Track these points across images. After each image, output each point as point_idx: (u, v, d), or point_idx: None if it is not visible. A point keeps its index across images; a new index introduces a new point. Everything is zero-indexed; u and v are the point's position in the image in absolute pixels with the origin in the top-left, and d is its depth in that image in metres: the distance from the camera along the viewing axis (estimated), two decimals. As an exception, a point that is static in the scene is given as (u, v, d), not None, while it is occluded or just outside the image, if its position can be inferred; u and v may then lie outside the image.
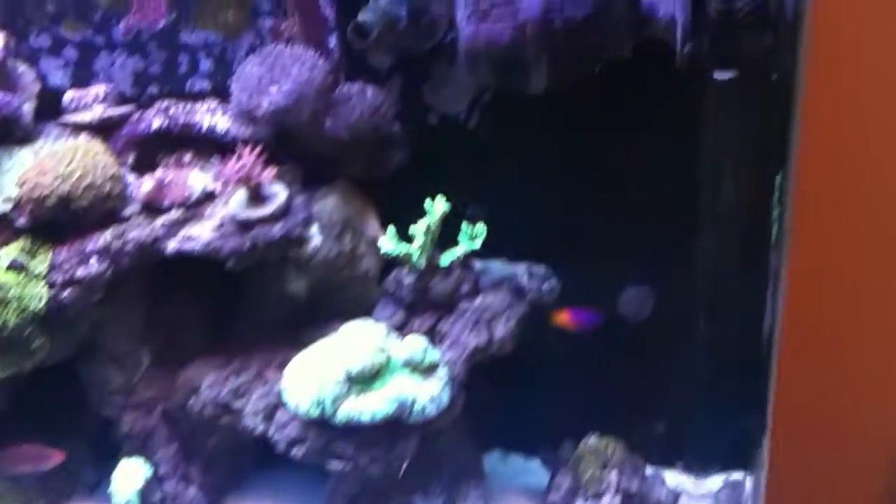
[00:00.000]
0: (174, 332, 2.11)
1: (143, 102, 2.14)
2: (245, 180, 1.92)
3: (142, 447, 2.06)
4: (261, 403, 1.93)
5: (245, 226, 1.93)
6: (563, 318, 2.03)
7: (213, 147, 2.10)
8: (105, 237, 1.94)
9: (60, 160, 1.93)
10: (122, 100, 2.15)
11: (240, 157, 1.94)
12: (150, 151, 2.10)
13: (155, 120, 2.09)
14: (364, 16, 1.90)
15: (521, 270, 2.11)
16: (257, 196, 1.95)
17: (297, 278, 2.03)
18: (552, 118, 1.98)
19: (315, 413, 1.80)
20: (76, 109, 2.06)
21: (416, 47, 2.00)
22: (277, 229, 1.94)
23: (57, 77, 2.13)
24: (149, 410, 2.07)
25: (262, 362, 2.02)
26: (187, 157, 2.11)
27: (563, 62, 1.73)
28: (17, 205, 1.93)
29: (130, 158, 2.10)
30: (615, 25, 1.70)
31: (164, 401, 2.06)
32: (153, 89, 2.16)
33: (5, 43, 1.97)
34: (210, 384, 1.99)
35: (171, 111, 2.10)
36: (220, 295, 2.12)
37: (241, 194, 1.97)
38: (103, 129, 2.08)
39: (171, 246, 1.94)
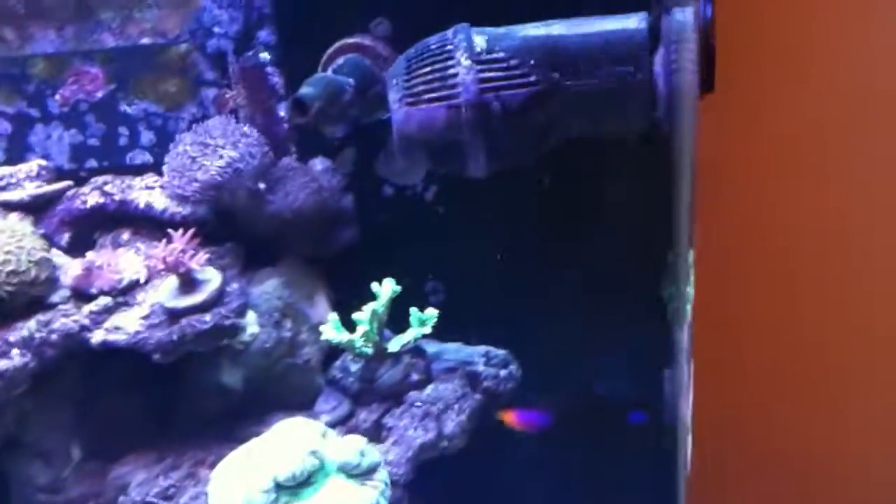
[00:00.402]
0: (109, 424, 1.97)
1: (82, 178, 2.05)
2: (174, 266, 1.80)
3: (73, 548, 1.92)
4: (187, 510, 1.79)
5: (174, 315, 1.81)
6: (511, 418, 1.88)
7: (152, 226, 2.00)
8: (29, 326, 1.82)
9: None
10: (58, 175, 2.05)
11: (170, 241, 1.81)
12: (86, 230, 2.01)
13: (90, 197, 1.99)
14: (305, 89, 1.79)
15: (478, 354, 1.97)
16: (189, 283, 1.83)
17: (232, 369, 1.91)
18: (509, 193, 1.86)
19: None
20: (6, 187, 1.95)
21: (362, 118, 1.89)
22: (208, 319, 1.81)
23: (-10, 152, 2.03)
24: (80, 510, 1.92)
25: (195, 460, 1.88)
26: (125, 236, 2.00)
27: (504, 146, 1.60)
28: None
29: (65, 238, 2.00)
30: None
31: (95, 499, 1.92)
32: (92, 163, 2.07)
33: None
34: (139, 483, 1.85)
35: (108, 187, 2.00)
36: (159, 385, 1.99)
37: (172, 281, 1.84)
38: (36, 208, 1.99)
39: (98, 337, 1.82)
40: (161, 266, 1.82)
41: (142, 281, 1.88)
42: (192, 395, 1.95)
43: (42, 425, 1.92)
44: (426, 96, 1.59)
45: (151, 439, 1.94)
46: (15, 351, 1.81)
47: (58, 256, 1.95)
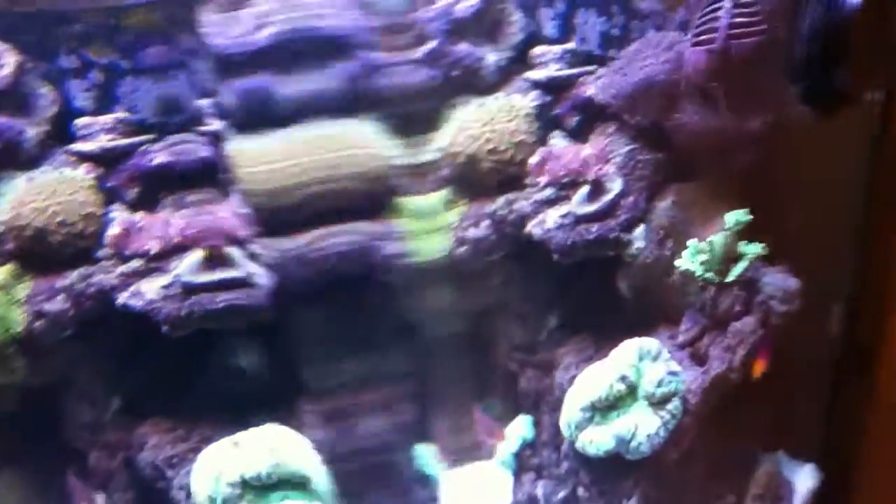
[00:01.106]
0: (148, 382, 2.03)
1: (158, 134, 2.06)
2: (578, 174, 1.98)
3: (102, 486, 2.02)
4: (185, 479, 1.79)
5: (577, 221, 1.98)
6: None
7: (217, 188, 1.98)
8: (72, 276, 1.89)
9: (39, 192, 1.91)
10: (139, 129, 2.06)
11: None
12: (153, 187, 2.02)
13: (160, 155, 1.99)
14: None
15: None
16: (597, 190, 2.00)
17: (623, 278, 2.07)
18: None
19: (567, 434, 1.92)
20: (83, 137, 2.01)
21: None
22: (594, 230, 2.02)
23: (81, 100, 2.09)
24: (112, 453, 2.01)
25: (201, 437, 1.86)
26: (191, 198, 2.00)
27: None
28: (4, 231, 1.93)
29: (132, 193, 2.02)
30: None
31: (126, 448, 1.99)
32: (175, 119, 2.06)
33: (16, 67, 1.95)
34: (152, 446, 1.88)
35: (179, 146, 1.98)
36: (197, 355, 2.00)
37: (194, 257, 1.80)
38: (107, 160, 2.02)
39: (121, 298, 1.83)
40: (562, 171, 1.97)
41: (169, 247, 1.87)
42: (214, 374, 1.97)
43: (89, 370, 2.02)
44: (698, 38, 1.75)
45: (177, 408, 1.98)
46: (59, 297, 1.89)
47: (119, 211, 2.00)
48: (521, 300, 2.28)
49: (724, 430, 2.03)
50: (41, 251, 1.91)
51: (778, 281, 1.95)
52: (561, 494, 2.08)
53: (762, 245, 1.94)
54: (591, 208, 2.02)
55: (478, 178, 2.13)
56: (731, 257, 1.94)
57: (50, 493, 2.09)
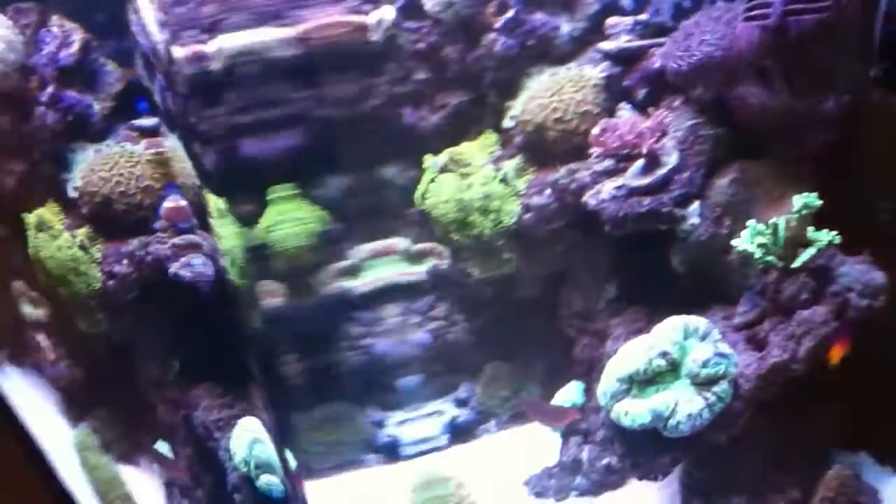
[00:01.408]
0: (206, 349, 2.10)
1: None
2: (633, 145, 1.95)
3: (168, 438, 2.15)
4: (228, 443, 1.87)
5: (630, 192, 1.97)
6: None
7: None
8: (133, 243, 2.03)
9: (546, 90, 2.12)
10: (656, 31, 2.10)
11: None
12: (656, 91, 2.09)
13: (663, 59, 2.03)
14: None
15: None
16: (652, 162, 1.96)
17: (676, 253, 2.01)
18: None
19: (603, 402, 1.87)
20: (609, 36, 2.13)
21: None
22: (646, 203, 1.96)
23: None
24: (175, 409, 2.14)
25: (244, 407, 1.94)
26: (677, 102, 2.02)
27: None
28: (79, 196, 2.08)
29: (640, 94, 2.09)
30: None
31: (185, 407, 2.10)
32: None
33: (82, 45, 2.05)
34: (204, 407, 1.97)
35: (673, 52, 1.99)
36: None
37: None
38: (623, 60, 2.13)
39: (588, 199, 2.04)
40: (616, 143, 1.93)
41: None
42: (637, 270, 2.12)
43: (153, 332, 2.13)
44: (751, 13, 1.67)
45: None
46: (125, 260, 2.01)
47: (624, 111, 2.10)
48: (582, 269, 2.30)
49: (789, 422, 1.92)
50: (539, 146, 2.12)
51: (858, 273, 1.80)
52: (604, 461, 2.13)
53: (835, 233, 1.80)
54: (644, 181, 1.96)
55: (544, 147, 2.19)
56: (799, 243, 1.81)
57: (133, 436, 2.26)
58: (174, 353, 2.13)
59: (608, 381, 1.84)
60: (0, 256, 2.19)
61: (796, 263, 1.82)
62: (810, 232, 1.81)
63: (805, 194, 1.79)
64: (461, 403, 2.57)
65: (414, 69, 2.52)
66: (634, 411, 1.79)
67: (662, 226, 1.95)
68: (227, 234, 2.26)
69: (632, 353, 1.84)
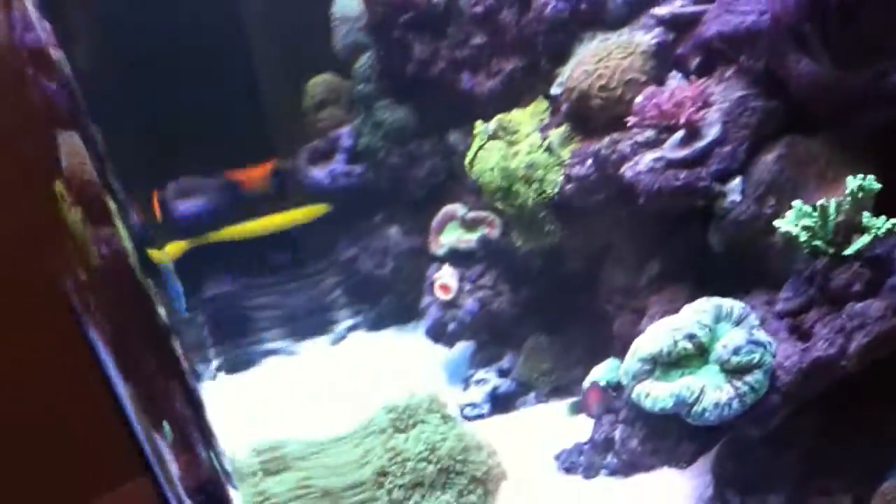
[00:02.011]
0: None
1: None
2: (669, 116, 1.86)
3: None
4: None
5: (667, 164, 1.88)
6: None
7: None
8: (602, 142, 2.03)
9: (593, 57, 2.06)
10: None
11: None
12: (710, 60, 1.99)
13: (714, 25, 1.91)
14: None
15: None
16: (691, 134, 1.86)
17: (714, 231, 1.90)
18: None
19: (624, 382, 1.84)
20: (664, 1, 2.04)
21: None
22: (682, 176, 1.85)
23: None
24: (638, 320, 2.12)
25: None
26: (728, 72, 1.91)
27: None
28: (562, 92, 2.13)
29: (694, 63, 1.99)
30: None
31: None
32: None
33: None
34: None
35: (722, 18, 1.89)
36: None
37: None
38: (677, 25, 2.04)
39: (626, 170, 1.94)
40: (653, 112, 1.87)
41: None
42: (680, 247, 2.05)
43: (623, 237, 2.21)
44: None
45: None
46: (588, 161, 2.07)
47: (674, 80, 2.01)
48: (625, 244, 2.23)
49: (841, 424, 1.81)
50: (583, 114, 2.08)
51: None
52: (633, 442, 2.08)
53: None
54: (682, 153, 1.86)
55: (588, 116, 2.11)
56: (853, 229, 1.68)
57: (573, 354, 2.38)
58: (648, 259, 2.12)
59: (630, 359, 1.78)
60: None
61: (849, 251, 1.69)
62: (866, 218, 1.67)
63: (861, 176, 1.65)
64: (503, 374, 2.58)
65: (472, 33, 2.49)
66: (656, 394, 1.72)
67: (699, 201, 1.85)
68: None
69: (656, 334, 1.77)
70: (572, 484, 2.20)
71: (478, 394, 2.58)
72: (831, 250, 1.70)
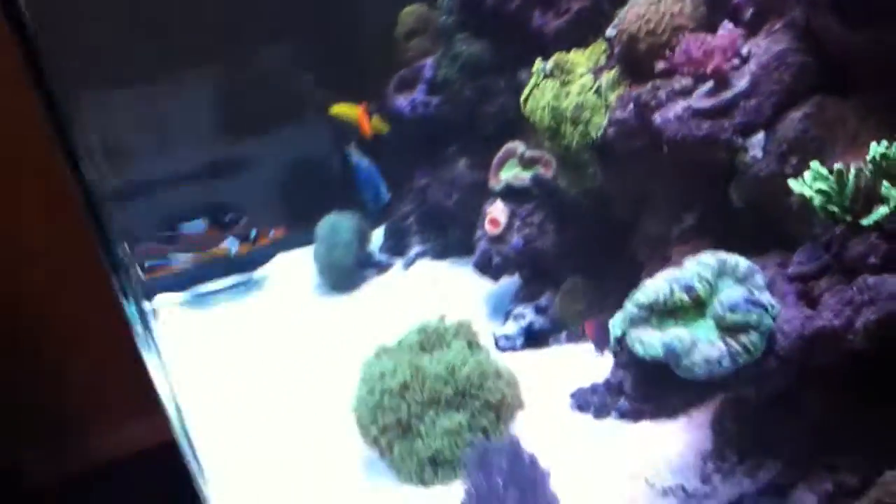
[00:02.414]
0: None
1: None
2: (699, 63, 1.83)
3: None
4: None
5: (694, 114, 1.85)
6: None
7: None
8: (644, 87, 2.02)
9: (649, 2, 2.04)
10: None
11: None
12: (764, 11, 1.93)
13: None
14: None
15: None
16: (720, 84, 1.83)
17: (736, 187, 1.88)
18: None
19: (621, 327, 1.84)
20: None
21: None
22: (705, 127, 1.83)
23: None
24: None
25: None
26: (778, 25, 1.85)
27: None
28: (615, 35, 2.17)
29: (747, 14, 1.93)
30: None
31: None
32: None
33: None
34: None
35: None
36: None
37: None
38: None
39: (656, 117, 1.94)
40: (682, 59, 1.84)
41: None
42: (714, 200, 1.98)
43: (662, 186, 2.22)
44: None
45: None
46: (630, 105, 2.07)
47: (725, 30, 1.91)
48: (661, 193, 2.21)
49: (855, 401, 1.76)
50: (632, 58, 2.10)
51: None
52: (643, 389, 1.98)
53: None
54: (708, 103, 1.81)
55: (636, 60, 2.09)
56: (874, 197, 1.60)
57: (607, 298, 2.37)
58: (681, 211, 2.13)
59: (629, 305, 1.80)
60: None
61: (866, 221, 1.61)
62: (886, 187, 1.60)
63: (886, 143, 1.57)
64: (540, 311, 2.63)
65: (544, -31, 2.49)
66: (648, 341, 1.72)
67: (721, 154, 1.81)
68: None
69: (656, 282, 1.77)
70: (582, 422, 2.26)
71: (513, 327, 2.66)
72: (849, 218, 1.65)
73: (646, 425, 2.20)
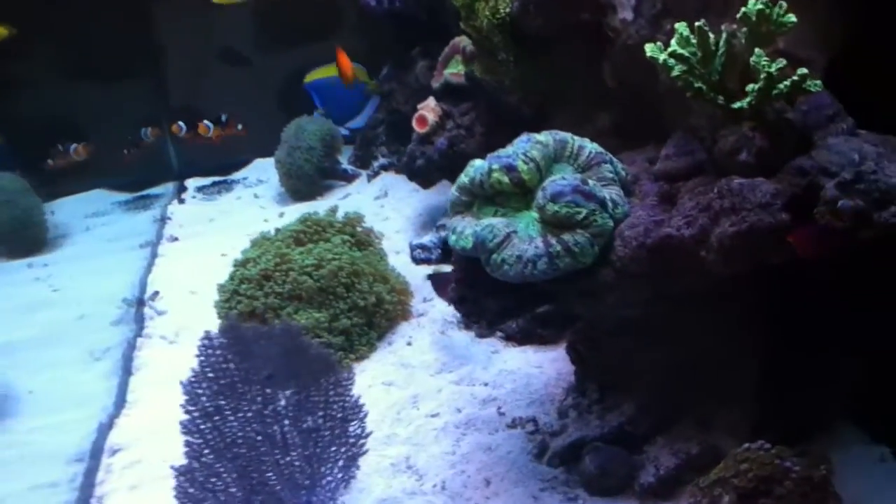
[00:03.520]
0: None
1: None
2: None
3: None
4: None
5: None
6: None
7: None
8: None
9: None
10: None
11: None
12: None
13: None
14: None
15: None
16: None
17: None
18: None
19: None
20: None
21: None
22: None
23: None
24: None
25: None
26: None
27: None
28: None
29: None
30: None
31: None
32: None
33: None
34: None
35: None
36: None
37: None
38: None
39: None
40: None
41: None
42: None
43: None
44: None
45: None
46: None
47: None
48: (575, 87, 1.88)
49: (713, 330, 1.46)
50: None
51: (852, 151, 1.25)
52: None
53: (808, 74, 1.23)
54: None
55: None
56: (750, 72, 1.27)
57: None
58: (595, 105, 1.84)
59: (453, 188, 1.52)
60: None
61: (739, 104, 1.30)
62: (763, 59, 1.26)
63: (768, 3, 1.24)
64: (464, 223, 2.36)
65: None
66: (461, 230, 1.44)
67: (585, 15, 1.51)
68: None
69: (478, 161, 1.48)
70: (466, 339, 2.01)
71: (431, 239, 2.42)
72: (721, 100, 1.32)
73: (529, 350, 1.93)
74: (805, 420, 1.45)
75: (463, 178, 1.47)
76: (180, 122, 3.24)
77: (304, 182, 3.19)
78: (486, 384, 1.85)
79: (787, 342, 1.45)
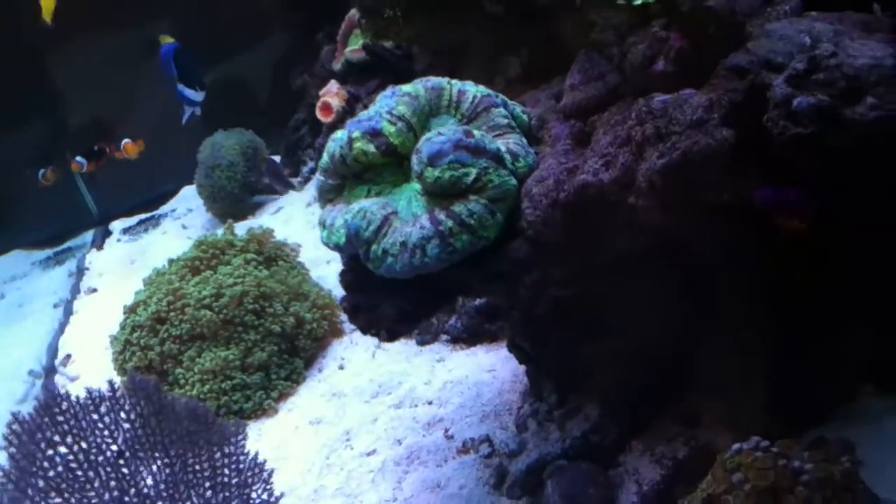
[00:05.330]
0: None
1: None
2: None
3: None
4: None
5: None
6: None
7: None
8: None
9: None
10: None
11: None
12: None
13: None
14: None
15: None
16: None
17: None
18: None
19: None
20: None
21: None
22: None
23: None
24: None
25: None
26: None
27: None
28: None
29: None
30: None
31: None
32: None
33: None
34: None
35: None
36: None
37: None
38: None
39: None
40: None
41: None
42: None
43: None
44: None
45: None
46: None
47: None
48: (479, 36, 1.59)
49: (664, 308, 1.13)
50: None
51: (802, 34, 0.98)
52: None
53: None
54: None
55: None
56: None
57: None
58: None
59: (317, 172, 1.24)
60: None
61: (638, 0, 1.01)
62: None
63: None
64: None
65: None
66: (332, 221, 1.13)
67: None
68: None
69: (339, 132, 1.15)
70: (405, 350, 1.70)
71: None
72: (622, -3, 1.01)
73: (477, 352, 1.62)
74: (815, 398, 1.13)
75: (324, 157, 1.15)
76: (77, 158, 2.89)
77: (230, 202, 2.87)
78: (429, 402, 1.54)
79: (777, 307, 1.13)
